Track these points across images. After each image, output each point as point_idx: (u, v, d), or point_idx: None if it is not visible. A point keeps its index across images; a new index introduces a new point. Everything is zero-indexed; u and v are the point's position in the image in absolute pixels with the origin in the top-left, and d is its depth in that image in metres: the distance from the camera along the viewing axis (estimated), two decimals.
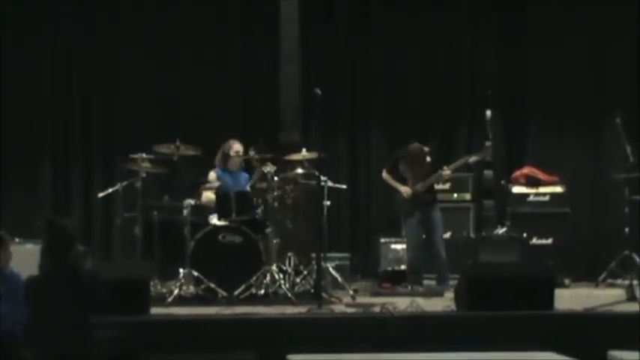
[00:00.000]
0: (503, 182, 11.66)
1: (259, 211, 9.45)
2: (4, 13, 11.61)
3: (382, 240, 11.07)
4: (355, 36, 12.42)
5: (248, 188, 9.87)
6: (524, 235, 10.94)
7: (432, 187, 10.15)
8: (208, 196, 9.70)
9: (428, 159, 10.02)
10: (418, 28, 12.41)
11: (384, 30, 12.33)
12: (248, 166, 10.15)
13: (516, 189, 11.44)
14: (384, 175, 10.24)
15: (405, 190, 10.04)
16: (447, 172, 10.03)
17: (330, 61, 12.33)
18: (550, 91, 12.29)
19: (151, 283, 8.51)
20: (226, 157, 10.00)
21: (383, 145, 12.25)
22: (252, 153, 9.73)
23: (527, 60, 12.47)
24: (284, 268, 9.41)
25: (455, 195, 11.41)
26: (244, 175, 10.10)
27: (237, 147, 10.03)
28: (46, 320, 5.89)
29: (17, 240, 9.24)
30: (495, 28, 12.61)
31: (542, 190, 11.38)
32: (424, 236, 10.06)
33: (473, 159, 10.39)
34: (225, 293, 8.80)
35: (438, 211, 10.11)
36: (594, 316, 7.92)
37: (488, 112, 10.95)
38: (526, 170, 11.59)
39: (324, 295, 8.65)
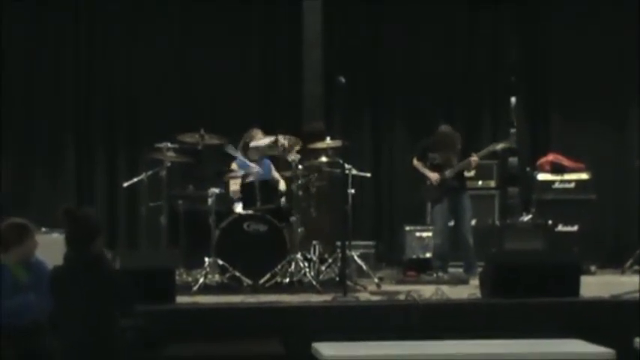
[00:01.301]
0: (528, 169, 11.63)
1: (284, 199, 9.46)
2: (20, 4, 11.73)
3: (407, 228, 11.07)
4: (377, 24, 12.38)
5: (275, 173, 9.87)
6: (550, 222, 10.91)
7: (461, 174, 10.13)
8: (233, 184, 9.70)
9: (459, 146, 10.00)
10: (439, 15, 12.36)
11: (406, 17, 12.30)
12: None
13: (541, 176, 11.40)
14: (415, 162, 10.22)
15: (434, 176, 10.03)
16: (474, 158, 10.00)
17: (352, 49, 12.30)
18: (574, 77, 12.23)
19: (177, 272, 8.54)
20: (248, 146, 9.98)
21: (407, 132, 12.25)
22: (280, 139, 9.66)
23: (550, 46, 12.41)
24: (309, 256, 9.41)
25: (480, 182, 11.39)
26: (267, 162, 10.10)
27: (259, 136, 10.01)
28: (69, 310, 5.92)
29: (43, 229, 9.30)
30: (518, 14, 12.54)
31: (567, 177, 11.34)
32: (452, 223, 10.04)
33: (500, 146, 10.38)
34: (250, 282, 8.81)
35: (467, 199, 10.10)
36: (621, 303, 7.88)
37: (513, 100, 10.92)
38: (551, 157, 11.55)
39: (349, 283, 8.64)
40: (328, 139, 9.87)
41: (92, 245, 6.03)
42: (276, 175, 10.00)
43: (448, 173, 9.99)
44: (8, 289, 6.52)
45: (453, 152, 10.00)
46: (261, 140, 9.82)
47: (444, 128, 10.06)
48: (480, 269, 9.12)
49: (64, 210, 6.11)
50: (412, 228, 11.05)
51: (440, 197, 10.03)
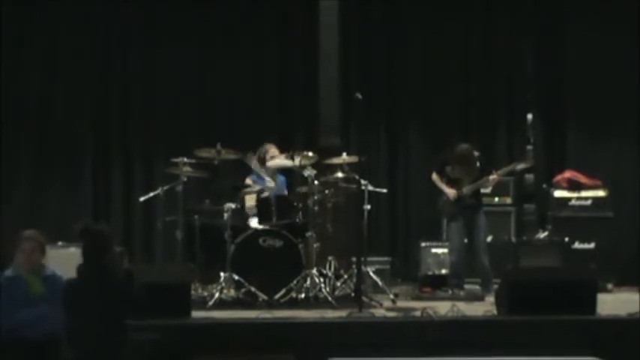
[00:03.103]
0: (544, 186, 11.59)
1: (300, 215, 9.46)
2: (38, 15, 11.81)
3: (423, 244, 11.04)
4: (393, 39, 12.36)
5: (285, 192, 9.88)
6: (566, 239, 10.87)
7: (477, 191, 10.08)
8: (249, 200, 9.71)
9: (477, 164, 9.96)
10: (455, 30, 12.35)
11: (423, 32, 12.31)
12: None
13: (558, 193, 11.35)
14: (433, 176, 10.15)
15: (451, 192, 9.99)
16: (494, 177, 9.95)
17: (368, 65, 12.30)
18: (591, 93, 12.16)
19: (192, 287, 8.54)
20: (262, 161, 9.99)
21: (423, 148, 12.22)
22: (296, 158, 9.63)
23: (566, 62, 12.36)
24: (324, 271, 9.41)
25: (496, 199, 11.35)
26: (281, 179, 10.10)
27: (273, 150, 10.02)
28: (83, 322, 5.95)
29: (60, 243, 9.36)
30: (534, 30, 12.50)
31: (584, 194, 11.29)
32: (467, 240, 10.01)
33: (520, 166, 10.34)
34: (265, 297, 8.81)
35: (483, 216, 10.04)
36: (637, 321, 7.84)
37: (529, 116, 10.88)
38: (568, 174, 11.50)
39: (364, 299, 8.64)
40: (344, 154, 9.88)
41: (105, 258, 6.08)
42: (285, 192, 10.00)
43: (465, 190, 9.95)
44: (21, 301, 6.56)
45: (470, 170, 9.94)
46: (278, 160, 9.81)
47: (464, 146, 9.99)
48: (496, 286, 9.09)
49: (82, 228, 6.20)
50: (428, 244, 11.02)
51: (455, 214, 10.00)
